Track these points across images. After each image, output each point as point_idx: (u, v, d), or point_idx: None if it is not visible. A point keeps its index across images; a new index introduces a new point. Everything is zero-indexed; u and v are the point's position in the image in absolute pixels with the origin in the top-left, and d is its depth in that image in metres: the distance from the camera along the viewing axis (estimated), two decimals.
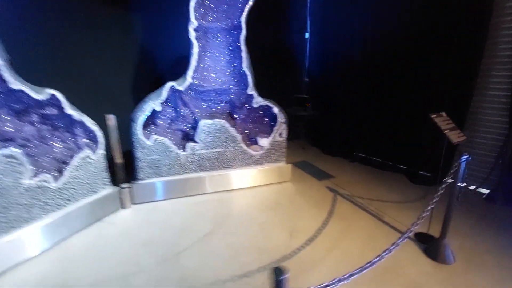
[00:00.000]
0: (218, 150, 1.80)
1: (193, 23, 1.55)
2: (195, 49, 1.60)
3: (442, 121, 1.21)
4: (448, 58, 1.81)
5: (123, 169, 1.66)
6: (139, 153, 1.63)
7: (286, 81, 2.96)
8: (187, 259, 1.21)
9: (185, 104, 1.74)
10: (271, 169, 1.93)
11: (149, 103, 1.58)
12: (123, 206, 1.64)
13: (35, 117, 1.29)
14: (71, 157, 1.38)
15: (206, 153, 1.77)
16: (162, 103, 1.62)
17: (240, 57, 1.71)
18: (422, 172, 2.04)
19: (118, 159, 1.72)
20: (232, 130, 1.78)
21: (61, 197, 1.33)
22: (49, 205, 1.29)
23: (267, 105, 1.85)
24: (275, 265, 1.14)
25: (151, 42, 2.14)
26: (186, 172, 1.76)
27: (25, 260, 1.18)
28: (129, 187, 1.65)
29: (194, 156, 1.75)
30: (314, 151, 2.78)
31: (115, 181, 1.64)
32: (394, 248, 0.86)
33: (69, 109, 1.33)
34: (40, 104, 1.25)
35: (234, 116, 1.89)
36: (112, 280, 1.09)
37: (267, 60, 2.83)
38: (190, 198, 1.75)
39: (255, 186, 1.90)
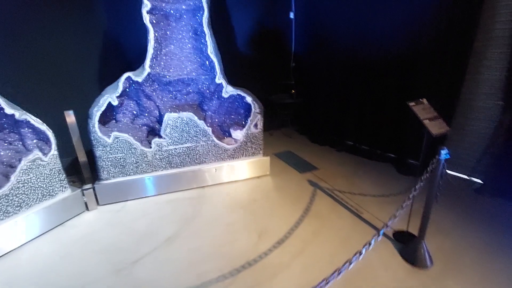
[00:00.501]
0: (188, 145, 1.67)
1: (147, 5, 1.39)
2: (151, 35, 1.45)
3: (422, 109, 1.06)
4: (437, 40, 1.63)
5: (89, 169, 1.55)
6: (99, 151, 1.51)
7: (272, 66, 2.78)
8: (142, 268, 1.12)
9: (148, 97, 1.60)
10: (248, 163, 1.81)
11: (105, 97, 1.45)
12: (88, 208, 1.54)
13: None
14: (19, 160, 1.26)
15: (175, 149, 1.65)
16: (119, 97, 1.48)
17: (205, 42, 1.54)
18: (411, 161, 1.91)
19: (82, 158, 1.61)
20: (201, 123, 1.65)
21: (9, 204, 1.23)
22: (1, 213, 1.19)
23: (238, 95, 1.70)
24: (236, 273, 1.06)
25: (119, 28, 1.96)
26: (155, 170, 1.65)
27: None
28: (92, 188, 1.55)
29: (162, 152, 1.63)
30: (301, 139, 2.65)
31: (82, 182, 1.55)
32: (365, 249, 0.75)
33: (8, 109, 1.20)
34: None
35: (204, 108, 1.75)
36: None
37: (251, 45, 2.65)
38: (161, 196, 1.65)
39: (231, 182, 1.79)
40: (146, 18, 1.40)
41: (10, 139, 1.27)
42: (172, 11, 1.48)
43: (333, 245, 1.22)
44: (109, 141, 1.51)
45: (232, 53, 2.46)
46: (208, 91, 1.70)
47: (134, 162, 1.60)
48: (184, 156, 1.69)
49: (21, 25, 1.60)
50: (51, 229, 1.37)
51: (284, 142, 2.58)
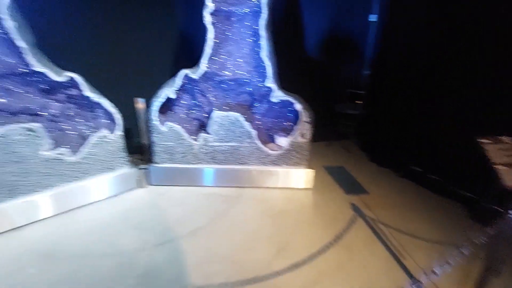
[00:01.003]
0: (232, 144, 1.70)
1: (209, 6, 1.45)
2: (210, 35, 1.51)
3: (497, 149, 0.81)
4: None
5: (149, 151, 1.75)
6: (154, 137, 1.67)
7: (341, 72, 2.59)
8: (160, 254, 1.20)
9: (202, 93, 1.69)
10: (289, 172, 1.74)
11: (165, 90, 1.59)
12: (139, 185, 1.74)
13: (62, 96, 1.43)
14: (91, 135, 1.50)
15: (219, 146, 1.70)
16: (177, 91, 1.60)
17: (261, 45, 1.53)
18: (492, 207, 1.51)
19: (144, 141, 1.83)
20: (247, 125, 1.65)
21: (77, 170, 1.48)
22: (66, 175, 1.44)
23: (287, 101, 1.63)
24: (241, 284, 1.03)
25: (191, 23, 2.09)
26: (200, 163, 1.74)
27: (37, 221, 1.36)
28: (145, 169, 1.74)
29: (207, 147, 1.70)
30: (359, 156, 2.40)
31: (140, 162, 1.78)
32: None
33: (87, 92, 1.43)
34: (62, 85, 1.38)
35: (253, 110, 1.75)
36: (89, 256, 1.16)
37: (320, 47, 2.52)
38: (202, 188, 1.73)
39: (269, 188, 1.75)
40: (207, 18, 1.46)
41: (87, 116, 1.52)
42: (234, 13, 1.51)
43: (353, 286, 1.06)
44: (163, 129, 1.66)
45: (298, 55, 2.38)
46: (258, 93, 1.69)
47: (182, 152, 1.71)
48: (227, 154, 1.73)
49: (105, 18, 1.87)
50: (106, 198, 1.59)
51: (340, 155, 2.38)
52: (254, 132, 1.68)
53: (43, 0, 1.67)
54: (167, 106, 1.68)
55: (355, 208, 1.58)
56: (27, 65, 1.26)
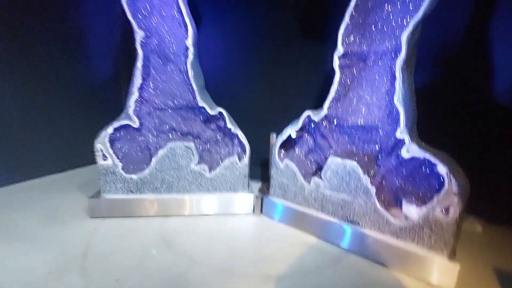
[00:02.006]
0: (344, 197, 1.49)
1: (339, 50, 1.40)
2: (337, 78, 1.44)
3: None
4: None
5: (268, 183, 1.90)
6: (273, 171, 1.78)
7: None
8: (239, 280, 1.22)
9: (324, 136, 1.61)
10: (418, 257, 1.27)
11: (287, 129, 1.67)
12: (254, 211, 1.89)
13: (213, 126, 1.86)
14: (225, 158, 1.83)
15: (330, 195, 1.54)
16: (298, 131, 1.64)
17: (394, 89, 1.28)
18: None
19: (270, 172, 1.99)
20: (365, 179, 1.40)
21: (210, 184, 1.83)
22: (202, 186, 1.83)
23: (426, 159, 1.22)
24: None
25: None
26: (308, 207, 1.65)
27: (176, 215, 1.79)
28: (261, 198, 1.87)
29: (318, 193, 1.59)
30: None
31: (265, 191, 1.95)
32: None
33: (229, 124, 1.77)
34: (215, 117, 1.79)
35: (379, 162, 1.45)
36: (193, 259, 1.39)
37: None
38: (307, 236, 1.62)
39: (383, 267, 1.36)
40: (336, 62, 1.42)
41: (225, 143, 1.86)
42: (369, 54, 1.37)
43: None
44: (281, 166, 1.73)
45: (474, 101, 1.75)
46: (387, 145, 1.39)
47: (294, 191, 1.70)
48: (337, 206, 1.53)
49: (256, 61, 2.21)
50: (223, 214, 1.84)
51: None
52: (373, 189, 1.38)
53: (208, 52, 2.26)
54: (289, 144, 1.74)
55: None
56: (196, 101, 1.74)
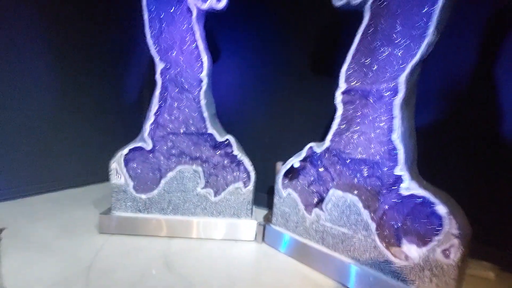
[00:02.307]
0: (344, 231, 1.48)
1: (341, 87, 1.47)
2: (339, 114, 1.49)
3: None
4: None
5: (271, 211, 1.92)
6: (276, 200, 1.81)
7: None
8: None
9: (326, 168, 1.64)
10: None
11: (291, 159, 1.71)
12: (256, 239, 1.89)
13: (221, 152, 1.94)
14: (230, 184, 1.89)
15: (331, 227, 1.54)
16: (302, 161, 1.68)
17: (393, 126, 1.31)
18: None
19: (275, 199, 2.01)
20: (365, 213, 1.39)
21: (215, 208, 1.88)
22: (207, 210, 1.88)
23: (426, 198, 1.22)
24: None
25: None
26: (309, 239, 1.65)
27: (180, 237, 1.84)
28: (263, 225, 1.88)
29: (319, 225, 1.59)
30: None
31: (268, 219, 1.96)
32: None
33: (236, 151, 1.84)
34: (223, 144, 1.88)
35: (380, 198, 1.44)
36: (193, 284, 1.41)
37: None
38: (307, 269, 1.60)
39: None
40: (338, 98, 1.48)
41: (231, 169, 1.92)
42: (369, 92, 1.43)
43: None
44: (284, 195, 1.75)
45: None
46: (388, 180, 1.40)
47: (295, 221, 1.71)
48: (337, 240, 1.51)
49: (265, 91, 2.31)
50: (226, 239, 1.86)
51: None
52: (373, 225, 1.37)
53: (222, 82, 2.40)
54: (293, 174, 1.78)
55: None
56: (206, 128, 1.85)
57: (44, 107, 2.37)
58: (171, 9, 1.79)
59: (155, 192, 1.83)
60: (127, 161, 1.82)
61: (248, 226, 1.86)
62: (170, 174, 1.83)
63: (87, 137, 2.67)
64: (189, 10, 1.76)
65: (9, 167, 2.21)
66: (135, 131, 1.96)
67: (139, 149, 1.84)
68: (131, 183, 1.81)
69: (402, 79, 1.24)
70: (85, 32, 2.53)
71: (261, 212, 2.28)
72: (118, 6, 2.73)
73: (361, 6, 1.40)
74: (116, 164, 1.80)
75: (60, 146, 2.49)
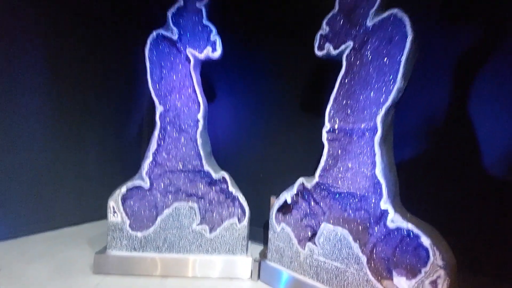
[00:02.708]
0: (337, 265, 1.51)
1: (326, 126, 1.60)
2: (325, 150, 1.60)
3: None
4: None
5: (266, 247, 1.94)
6: (270, 234, 1.84)
7: None
8: None
9: (317, 202, 1.71)
10: None
11: (284, 194, 1.79)
12: (251, 276, 1.89)
13: (217, 188, 2.01)
14: (225, 220, 1.93)
15: (324, 262, 1.57)
16: (293, 196, 1.75)
17: (375, 161, 1.41)
18: None
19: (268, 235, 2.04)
20: (355, 247, 1.43)
21: (210, 245, 1.90)
22: (202, 247, 1.89)
23: (409, 231, 1.28)
24: None
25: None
26: (303, 275, 1.66)
27: (176, 276, 1.83)
28: (258, 262, 1.88)
29: (312, 260, 1.62)
30: None
31: (264, 255, 1.97)
32: None
33: (231, 187, 1.92)
34: (218, 180, 1.96)
35: (370, 231, 1.50)
36: None
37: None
38: None
39: None
40: (324, 136, 1.60)
41: (226, 204, 1.98)
42: (352, 130, 1.56)
43: None
44: (278, 229, 1.79)
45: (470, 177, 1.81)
46: (376, 213, 1.46)
47: (290, 256, 1.73)
48: (331, 275, 1.53)
49: (259, 130, 2.45)
50: (221, 277, 1.85)
51: None
52: (364, 258, 1.41)
53: (218, 121, 2.55)
54: (287, 208, 1.83)
55: None
56: (202, 166, 1.94)
57: (40, 145, 2.40)
58: (171, 58, 1.99)
59: (151, 229, 1.86)
60: (124, 199, 1.88)
61: (244, 263, 1.87)
62: (167, 211, 1.87)
63: (82, 175, 2.73)
64: (187, 59, 1.95)
65: (3, 207, 2.22)
66: (132, 169, 2.03)
67: (137, 187, 1.91)
68: (127, 221, 1.85)
69: (379, 119, 1.38)
70: (87, 70, 2.67)
71: (258, 248, 2.28)
72: (120, 48, 2.95)
73: (339, 56, 1.59)
74: (114, 202, 1.86)
75: (55, 185, 2.52)
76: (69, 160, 2.62)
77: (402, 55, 1.31)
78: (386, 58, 1.39)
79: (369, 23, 1.45)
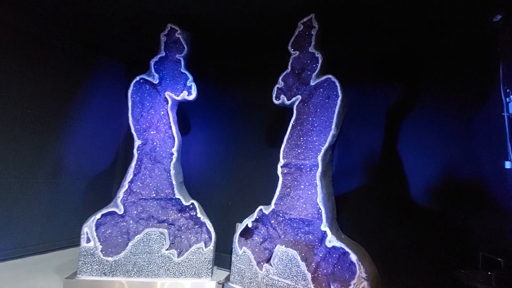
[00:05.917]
0: (288, 282, 1.75)
1: (281, 162, 1.93)
2: (280, 182, 1.91)
3: None
4: None
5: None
6: (233, 257, 2.05)
7: (471, 228, 2.04)
8: None
9: (273, 227, 1.97)
10: None
11: (246, 220, 2.04)
12: None
13: (186, 215, 2.22)
14: (192, 244, 2.12)
15: (278, 280, 1.80)
16: (254, 221, 2.01)
17: (316, 192, 1.74)
18: None
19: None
20: (302, 265, 1.70)
21: (177, 269, 2.05)
22: (169, 271, 2.04)
23: (341, 249, 1.58)
24: None
25: None
26: None
27: None
28: (222, 284, 2.06)
29: (268, 279, 1.84)
30: None
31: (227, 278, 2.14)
32: None
33: (199, 213, 2.14)
34: (188, 207, 2.17)
35: (315, 251, 1.78)
36: None
37: (440, 198, 2.21)
38: None
39: None
40: (279, 170, 1.92)
41: (194, 230, 2.18)
42: (301, 165, 1.89)
43: None
44: (240, 252, 2.01)
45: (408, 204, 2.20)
46: (319, 235, 1.76)
47: (249, 277, 1.93)
48: None
49: (228, 160, 2.74)
50: None
51: None
52: (309, 275, 1.67)
53: (191, 153, 2.82)
54: (248, 233, 2.07)
55: None
56: (174, 194, 2.15)
57: (11, 172, 2.43)
58: (151, 98, 2.28)
59: (122, 254, 2.00)
60: (98, 225, 2.02)
61: (208, 286, 2.03)
62: (138, 237, 2.03)
63: (51, 202, 2.77)
64: (165, 100, 2.26)
65: None
66: (103, 198, 2.19)
67: (111, 213, 2.07)
68: (99, 247, 1.98)
69: (319, 158, 1.73)
70: (66, 102, 2.86)
71: (225, 274, 2.44)
72: (101, 86, 3.20)
73: (291, 105, 1.97)
74: (87, 228, 1.99)
75: (24, 213, 2.55)
76: (35, 188, 2.64)
77: (335, 109, 1.71)
78: (324, 110, 1.78)
79: (313, 82, 1.87)
